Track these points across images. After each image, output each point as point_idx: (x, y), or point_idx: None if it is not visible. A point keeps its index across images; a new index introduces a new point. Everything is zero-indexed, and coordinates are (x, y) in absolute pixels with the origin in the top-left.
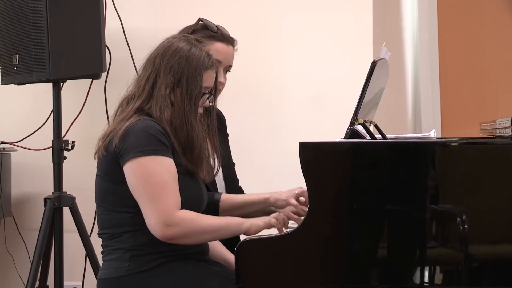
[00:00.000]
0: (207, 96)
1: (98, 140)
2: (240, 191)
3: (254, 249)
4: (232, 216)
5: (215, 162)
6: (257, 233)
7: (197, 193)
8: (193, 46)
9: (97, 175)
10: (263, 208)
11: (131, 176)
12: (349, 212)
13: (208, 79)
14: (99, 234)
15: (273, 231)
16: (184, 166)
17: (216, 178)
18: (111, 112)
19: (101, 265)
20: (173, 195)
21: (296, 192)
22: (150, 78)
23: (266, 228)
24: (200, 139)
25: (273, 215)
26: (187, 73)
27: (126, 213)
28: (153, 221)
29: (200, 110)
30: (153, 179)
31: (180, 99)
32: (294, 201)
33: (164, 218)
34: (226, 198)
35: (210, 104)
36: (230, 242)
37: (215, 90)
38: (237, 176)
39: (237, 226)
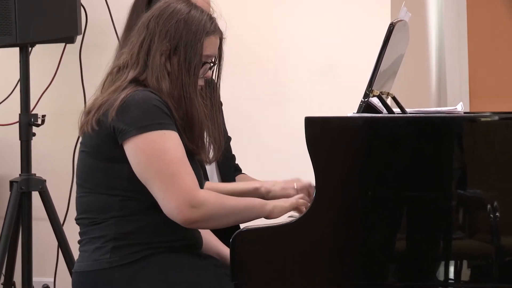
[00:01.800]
0: (208, 66)
1: (83, 114)
2: (236, 170)
3: (252, 240)
4: None
5: (217, 143)
6: (280, 216)
7: (198, 177)
8: (193, 8)
9: (81, 151)
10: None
11: (140, 155)
12: (362, 198)
13: (209, 46)
14: (77, 220)
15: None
16: (185, 145)
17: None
18: (87, 82)
19: (77, 257)
20: (192, 172)
21: (295, 186)
22: (144, 45)
23: (291, 211)
24: (200, 116)
25: (297, 196)
26: (185, 38)
27: (114, 196)
28: (174, 203)
29: (201, 82)
30: (167, 156)
31: (178, 69)
32: (292, 191)
33: (189, 199)
34: (211, 187)
35: (213, 76)
36: (224, 233)
37: (219, 59)
38: (233, 153)
39: (260, 208)
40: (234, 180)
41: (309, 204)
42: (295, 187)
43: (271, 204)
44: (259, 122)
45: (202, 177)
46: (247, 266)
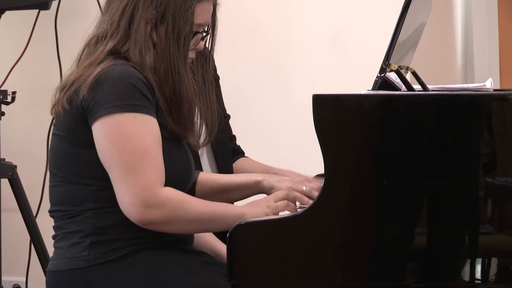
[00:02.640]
0: (200, 36)
1: (56, 91)
2: (237, 152)
3: (252, 235)
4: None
5: (210, 125)
6: None
7: (184, 166)
8: None
9: (54, 134)
10: (253, 193)
11: (103, 138)
12: (377, 187)
13: (202, 14)
14: (51, 212)
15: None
16: (170, 128)
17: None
18: (64, 55)
19: (52, 254)
20: (157, 166)
21: (304, 188)
22: (126, 12)
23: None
24: (190, 93)
25: (277, 194)
26: (174, 5)
27: (90, 185)
28: (129, 199)
29: (192, 55)
30: (132, 143)
31: (165, 40)
32: (298, 194)
33: (144, 197)
34: (205, 178)
35: (206, 47)
36: None
37: (213, 28)
38: (234, 133)
39: (235, 219)
40: (231, 166)
41: (297, 207)
42: (304, 190)
43: (247, 215)
44: (259, 101)
45: (190, 166)
46: (247, 264)
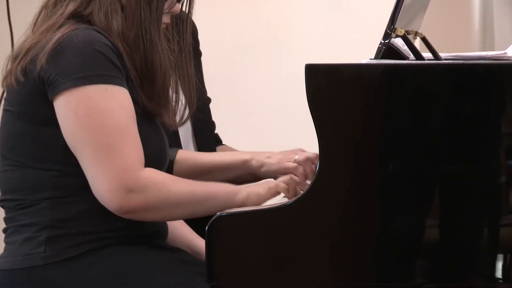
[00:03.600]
0: None
1: (8, 60)
2: (215, 141)
3: (235, 228)
4: None
5: (188, 101)
6: (258, 205)
7: (158, 147)
8: None
9: (5, 110)
10: (240, 174)
11: (69, 115)
12: (380, 172)
13: None
14: (1, 202)
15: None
16: (142, 104)
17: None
18: (15, 18)
19: (2, 251)
20: (135, 145)
21: (297, 157)
22: None
23: (270, 198)
24: (164, 63)
25: (281, 178)
26: None
27: (48, 170)
28: (106, 185)
29: (166, 19)
30: (105, 120)
31: (135, 1)
32: (290, 164)
33: (124, 181)
34: (184, 157)
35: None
36: (198, 219)
37: None
38: (213, 119)
39: (229, 196)
40: (213, 146)
41: (301, 185)
42: (296, 159)
43: (244, 191)
44: (246, 72)
45: (164, 148)
46: (229, 263)
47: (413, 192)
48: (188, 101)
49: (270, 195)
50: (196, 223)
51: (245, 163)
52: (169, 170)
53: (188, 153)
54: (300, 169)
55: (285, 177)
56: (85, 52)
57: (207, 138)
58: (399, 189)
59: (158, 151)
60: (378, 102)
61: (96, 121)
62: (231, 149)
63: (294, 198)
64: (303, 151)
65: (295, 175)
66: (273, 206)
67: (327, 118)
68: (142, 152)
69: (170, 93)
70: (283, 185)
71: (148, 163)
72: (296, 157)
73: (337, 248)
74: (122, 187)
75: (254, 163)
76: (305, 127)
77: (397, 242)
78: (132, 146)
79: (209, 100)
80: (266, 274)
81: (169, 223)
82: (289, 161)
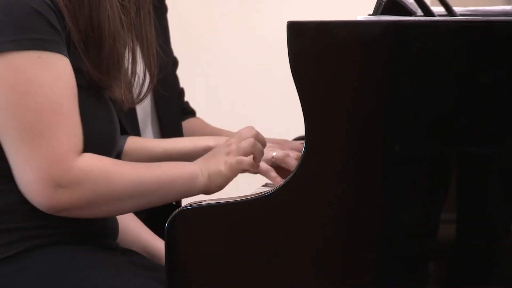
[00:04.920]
0: None
1: None
2: (187, 112)
3: (203, 224)
4: None
5: (148, 73)
6: (222, 188)
7: (106, 128)
8: None
9: None
10: None
11: None
12: (381, 155)
13: None
14: None
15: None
16: (87, 73)
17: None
18: None
19: None
20: (71, 128)
21: (274, 154)
22: None
23: (235, 177)
24: (114, 24)
25: (244, 145)
26: None
27: None
28: (31, 176)
29: None
30: (35, 96)
31: None
32: (263, 167)
33: (53, 172)
34: (134, 146)
35: None
36: (156, 213)
37: None
38: (182, 85)
39: (187, 181)
40: (181, 132)
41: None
42: (274, 156)
43: (204, 172)
44: (218, 32)
45: (114, 128)
46: (194, 267)
47: (421, 180)
48: (149, 70)
49: (233, 173)
50: (152, 219)
51: (207, 151)
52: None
53: (138, 141)
54: (273, 174)
55: (247, 143)
56: (16, 10)
57: (172, 115)
58: (404, 176)
59: (106, 133)
60: (378, 69)
61: (24, 96)
62: (204, 123)
63: (274, 188)
64: (283, 147)
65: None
66: (250, 197)
67: (314, 89)
68: (79, 137)
69: (126, 64)
70: (247, 161)
71: (93, 148)
72: (274, 154)
73: (328, 247)
74: (50, 180)
75: None
76: (288, 99)
77: (401, 241)
78: (66, 129)
79: (176, 63)
80: (241, 280)
81: (120, 220)
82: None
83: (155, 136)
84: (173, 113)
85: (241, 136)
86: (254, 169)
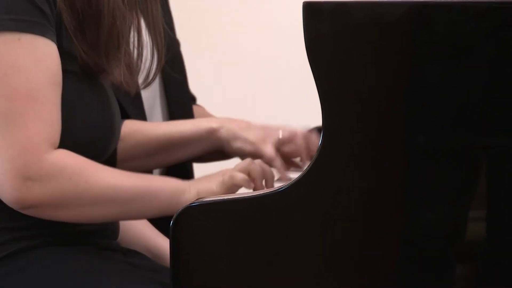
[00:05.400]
0: None
1: None
2: (188, 108)
3: (211, 222)
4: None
5: (156, 53)
6: None
7: (103, 120)
8: None
9: None
10: (204, 150)
11: None
12: (404, 146)
13: None
14: None
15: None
16: (80, 58)
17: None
18: None
19: None
20: (47, 118)
21: (281, 135)
22: None
23: (226, 194)
24: (114, 1)
25: (240, 165)
26: None
27: None
28: (0, 166)
29: None
30: (9, 80)
31: None
32: (269, 151)
33: (25, 163)
34: (132, 130)
35: None
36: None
37: None
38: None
39: (172, 195)
40: (191, 116)
41: (271, 176)
42: (280, 137)
43: (193, 188)
44: (222, 13)
45: (110, 120)
46: (202, 268)
47: (448, 175)
48: (156, 53)
49: (225, 190)
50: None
51: (210, 134)
52: (112, 152)
53: (135, 124)
54: (278, 162)
55: (243, 163)
56: None
57: (183, 101)
58: (429, 170)
59: (103, 123)
60: (401, 53)
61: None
62: (207, 113)
63: (289, 183)
64: (289, 128)
65: (269, 165)
66: (262, 193)
67: (332, 74)
68: (55, 129)
69: (132, 45)
70: (240, 176)
71: (86, 142)
72: (280, 133)
73: (349, 248)
74: (18, 171)
75: (223, 133)
76: (304, 86)
77: (426, 241)
78: (42, 118)
79: (178, 44)
80: (251, 282)
81: None
82: (269, 143)
83: (164, 111)
84: (184, 96)
85: (240, 165)
86: (248, 185)
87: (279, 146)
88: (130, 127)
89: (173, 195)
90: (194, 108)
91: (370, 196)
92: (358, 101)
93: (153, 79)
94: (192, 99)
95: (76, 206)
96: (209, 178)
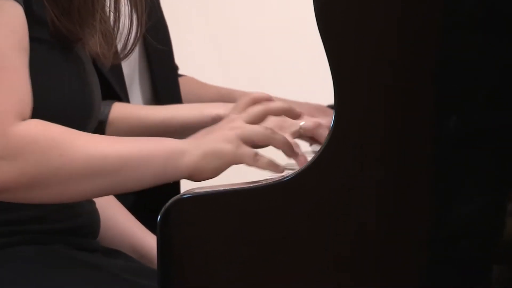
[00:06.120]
0: None
1: None
2: (173, 82)
3: (206, 216)
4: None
5: (135, 19)
6: (218, 173)
7: (80, 95)
8: None
9: None
10: None
11: None
12: (431, 131)
13: None
14: None
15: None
16: (52, 26)
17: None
18: None
19: None
20: (14, 86)
21: (301, 124)
22: None
23: (236, 163)
24: None
25: (245, 99)
26: None
27: None
28: None
29: None
30: None
31: None
32: (296, 123)
33: None
34: (124, 114)
35: None
36: (146, 203)
37: None
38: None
39: (170, 157)
40: (179, 95)
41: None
42: (302, 126)
43: (195, 151)
44: None
45: (88, 94)
46: (194, 268)
47: (483, 164)
48: (138, 16)
49: (238, 160)
50: (142, 209)
51: (217, 121)
52: (101, 133)
53: (127, 108)
54: (299, 151)
55: (254, 110)
56: None
57: (167, 74)
58: (460, 158)
59: (77, 99)
60: (427, 20)
61: None
62: (198, 82)
63: (295, 171)
64: (313, 113)
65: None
66: (265, 182)
67: (346, 43)
68: (23, 98)
69: (107, 10)
70: (266, 160)
71: (59, 116)
72: (301, 123)
73: (366, 246)
74: None
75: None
76: (313, 59)
77: (457, 240)
78: (7, 87)
79: (161, 10)
80: (253, 284)
81: (103, 212)
82: (287, 134)
83: (146, 97)
84: (168, 68)
85: (244, 102)
86: (276, 169)
87: (299, 137)
88: (122, 111)
89: (169, 157)
90: (182, 80)
91: (391, 188)
92: (376, 75)
93: (132, 48)
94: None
95: (55, 184)
96: (215, 135)
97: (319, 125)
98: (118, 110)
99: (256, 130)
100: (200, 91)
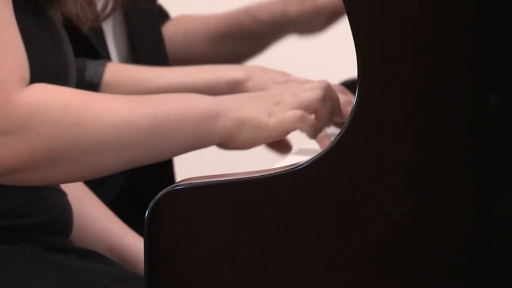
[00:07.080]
0: None
1: None
2: (163, 16)
3: (199, 211)
4: None
5: None
6: (251, 147)
7: (55, 61)
8: None
9: None
10: None
11: None
12: (471, 112)
13: None
14: None
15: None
16: None
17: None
18: None
19: None
20: (10, 46)
21: (320, 95)
22: None
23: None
24: None
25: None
26: None
27: None
28: None
29: None
30: None
31: None
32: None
33: None
34: (121, 75)
35: None
36: (130, 196)
37: None
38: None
39: (202, 121)
40: (165, 56)
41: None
42: (322, 96)
43: (231, 114)
44: None
45: (64, 61)
46: (188, 271)
47: None
48: None
49: (281, 133)
50: (124, 204)
51: (233, 88)
52: None
53: (126, 70)
54: (326, 141)
55: (309, 94)
56: None
57: (146, 23)
58: (504, 144)
59: (51, 65)
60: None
61: None
62: (193, 21)
63: (310, 159)
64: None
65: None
66: (274, 172)
67: (372, 12)
68: (23, 59)
69: None
70: (309, 118)
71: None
72: (319, 93)
73: (393, 245)
74: None
75: (250, 87)
76: (314, 56)
77: (501, 239)
78: (7, 48)
79: None
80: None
81: (76, 207)
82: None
83: (122, 55)
84: (147, 17)
85: (303, 84)
86: (312, 132)
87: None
88: (119, 73)
89: (202, 122)
90: (175, 20)
91: (423, 178)
92: (407, 47)
93: (114, 9)
94: (165, 16)
95: (72, 160)
96: (256, 104)
97: (349, 101)
98: (113, 72)
99: (298, 117)
100: (196, 25)
